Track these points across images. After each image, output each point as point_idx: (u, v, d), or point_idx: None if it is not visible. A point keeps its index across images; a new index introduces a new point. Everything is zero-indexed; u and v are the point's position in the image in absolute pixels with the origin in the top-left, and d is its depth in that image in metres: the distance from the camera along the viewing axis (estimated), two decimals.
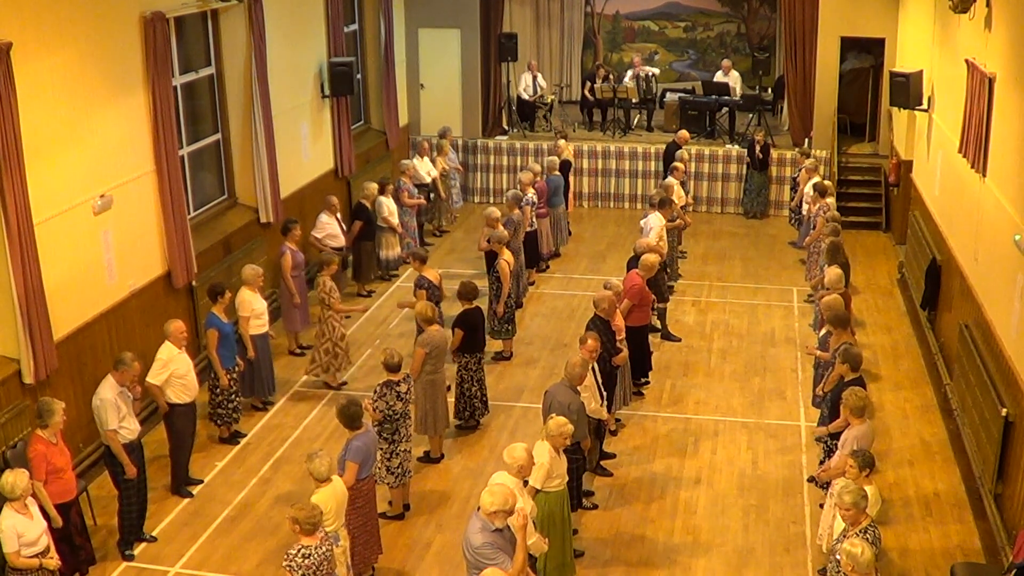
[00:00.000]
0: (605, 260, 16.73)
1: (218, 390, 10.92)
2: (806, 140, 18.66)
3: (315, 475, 7.88)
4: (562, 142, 17.71)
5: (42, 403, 8.47)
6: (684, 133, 17.85)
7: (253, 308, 11.47)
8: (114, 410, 8.91)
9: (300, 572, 7.14)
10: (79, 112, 10.20)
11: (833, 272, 11.68)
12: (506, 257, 12.87)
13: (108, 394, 8.93)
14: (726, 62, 20.64)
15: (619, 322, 10.84)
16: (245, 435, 11.34)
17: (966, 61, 11.58)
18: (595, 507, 10.04)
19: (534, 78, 20.51)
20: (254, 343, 11.47)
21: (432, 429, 10.65)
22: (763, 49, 21.39)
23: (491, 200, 19.24)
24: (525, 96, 20.46)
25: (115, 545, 9.38)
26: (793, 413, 11.87)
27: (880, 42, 18.38)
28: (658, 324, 13.64)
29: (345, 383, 12.36)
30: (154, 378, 9.79)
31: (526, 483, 7.87)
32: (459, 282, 11.52)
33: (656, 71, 21.26)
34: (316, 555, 7.22)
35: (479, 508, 7.00)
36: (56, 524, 8.31)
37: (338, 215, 14.31)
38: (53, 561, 7.92)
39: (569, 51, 22.92)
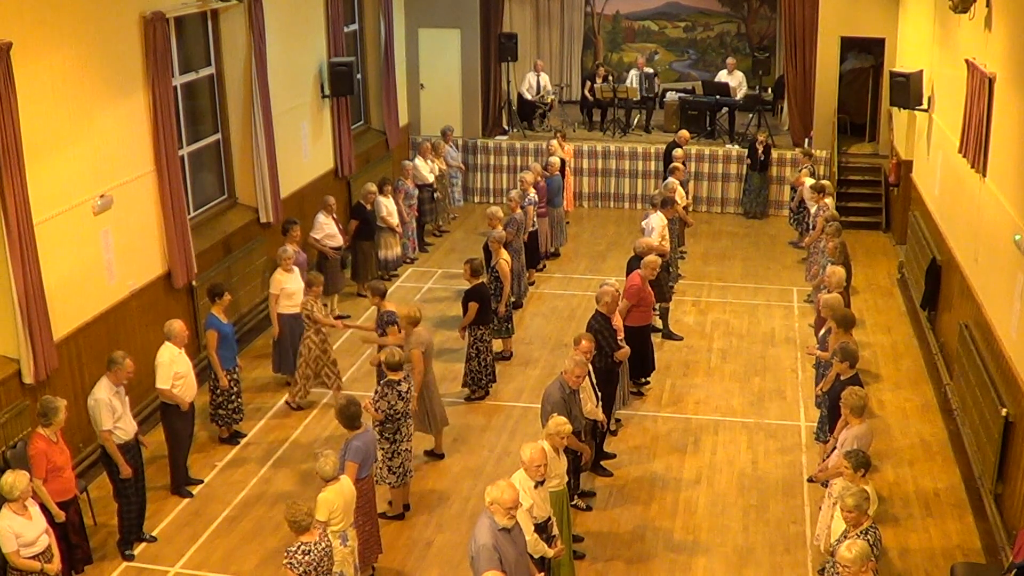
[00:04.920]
0: (605, 260, 16.73)
1: (218, 391, 10.92)
2: (806, 140, 18.67)
3: (322, 475, 7.89)
4: (554, 142, 17.73)
5: (45, 401, 8.48)
6: (684, 133, 17.87)
7: (283, 287, 11.89)
8: (108, 410, 8.91)
9: (300, 569, 7.15)
10: (79, 112, 10.20)
11: (835, 271, 11.66)
12: (504, 256, 12.89)
13: (103, 394, 8.92)
14: (731, 60, 20.63)
15: (617, 322, 10.84)
16: (245, 435, 11.34)
17: (966, 61, 11.58)
18: (589, 508, 10.04)
19: (538, 78, 20.51)
20: (283, 322, 11.88)
21: (432, 427, 10.67)
22: (763, 49, 21.38)
23: (491, 200, 19.25)
24: (527, 95, 20.46)
25: (115, 545, 9.39)
26: (793, 413, 11.87)
27: (880, 42, 18.38)
28: (660, 324, 13.64)
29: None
30: (164, 383, 9.79)
31: (539, 484, 7.81)
32: (466, 260, 12.14)
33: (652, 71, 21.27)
34: (316, 551, 7.23)
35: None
36: (59, 519, 8.33)
37: (335, 215, 14.31)
38: (54, 567, 7.92)
39: (569, 51, 22.92)
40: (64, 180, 10.01)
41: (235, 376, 11.02)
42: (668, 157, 17.10)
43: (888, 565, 9.15)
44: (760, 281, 15.87)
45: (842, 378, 9.33)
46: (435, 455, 10.90)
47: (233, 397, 11.02)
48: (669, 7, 22.49)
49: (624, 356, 10.75)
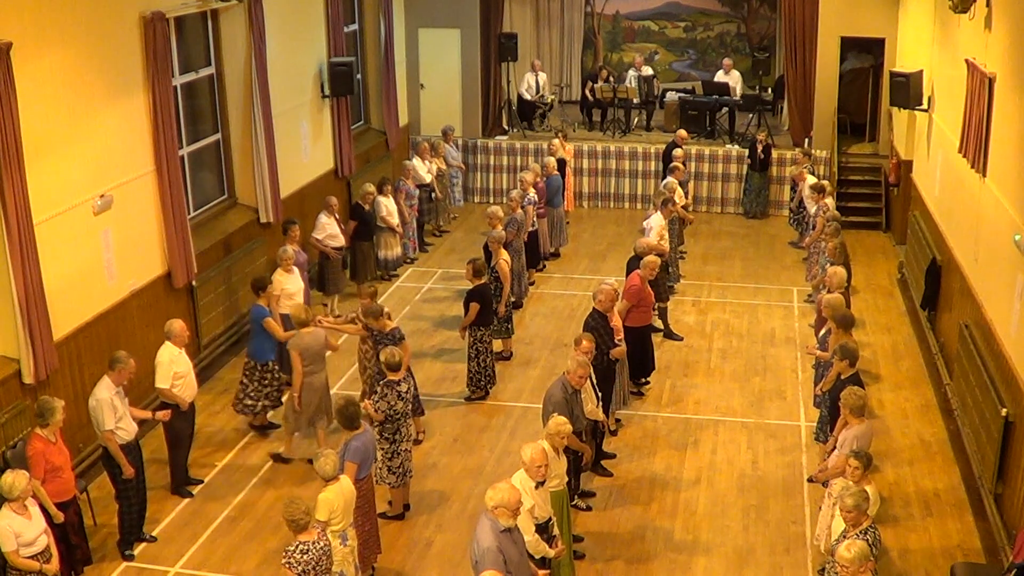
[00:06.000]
0: (605, 260, 16.73)
1: (254, 378, 11.01)
2: (806, 140, 18.68)
3: (322, 474, 7.90)
4: (556, 141, 17.73)
5: (42, 402, 8.47)
6: (682, 132, 17.86)
7: (283, 288, 11.90)
8: (110, 410, 8.91)
9: (299, 568, 7.15)
10: (79, 112, 10.20)
11: (836, 272, 11.66)
12: (504, 257, 12.90)
13: (104, 394, 8.92)
14: (727, 61, 20.63)
15: (616, 322, 10.83)
16: (249, 434, 11.33)
17: (966, 61, 11.58)
18: (589, 508, 10.04)
19: (536, 77, 20.52)
20: (283, 322, 11.80)
21: (304, 428, 10.64)
22: (763, 49, 21.38)
23: (491, 200, 19.25)
24: (527, 96, 20.47)
25: (115, 545, 9.39)
26: (793, 413, 11.87)
27: (880, 42, 18.38)
28: (660, 324, 13.64)
29: None
30: (164, 382, 9.78)
31: (539, 485, 7.80)
32: (468, 260, 12.15)
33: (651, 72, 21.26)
34: (314, 550, 7.23)
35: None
36: (57, 520, 8.33)
37: (337, 215, 14.31)
38: (53, 567, 7.91)
39: (569, 51, 22.92)
40: (64, 180, 10.01)
41: (273, 368, 11.15)
42: (668, 157, 17.10)
43: (888, 565, 9.15)
44: (760, 281, 15.87)
45: (843, 377, 9.34)
46: (282, 459, 10.80)
47: (259, 388, 11.09)
48: (669, 7, 22.49)
49: (620, 354, 10.74)
